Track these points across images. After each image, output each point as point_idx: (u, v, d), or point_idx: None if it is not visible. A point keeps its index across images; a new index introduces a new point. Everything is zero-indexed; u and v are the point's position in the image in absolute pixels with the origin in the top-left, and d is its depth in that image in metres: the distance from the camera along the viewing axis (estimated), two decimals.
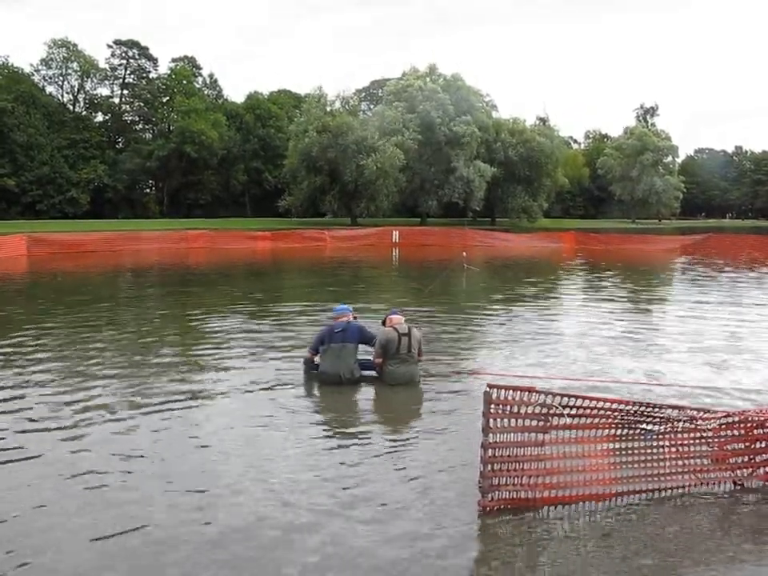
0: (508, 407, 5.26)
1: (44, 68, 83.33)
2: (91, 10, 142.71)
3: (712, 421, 5.80)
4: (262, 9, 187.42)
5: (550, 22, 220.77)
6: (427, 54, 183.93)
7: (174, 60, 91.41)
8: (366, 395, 8.75)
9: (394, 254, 40.26)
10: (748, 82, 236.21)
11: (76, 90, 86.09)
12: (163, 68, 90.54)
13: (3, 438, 6.88)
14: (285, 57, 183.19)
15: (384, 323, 9.51)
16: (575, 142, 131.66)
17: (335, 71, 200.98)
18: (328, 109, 73.29)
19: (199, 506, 5.45)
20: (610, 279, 25.28)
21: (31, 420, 7.48)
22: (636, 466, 5.67)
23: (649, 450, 5.72)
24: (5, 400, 8.21)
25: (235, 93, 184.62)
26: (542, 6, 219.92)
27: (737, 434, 5.92)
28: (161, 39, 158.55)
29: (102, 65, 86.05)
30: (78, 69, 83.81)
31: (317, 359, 9.30)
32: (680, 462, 5.78)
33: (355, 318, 9.67)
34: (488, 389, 5.21)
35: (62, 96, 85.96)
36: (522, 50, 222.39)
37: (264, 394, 8.57)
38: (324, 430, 7.35)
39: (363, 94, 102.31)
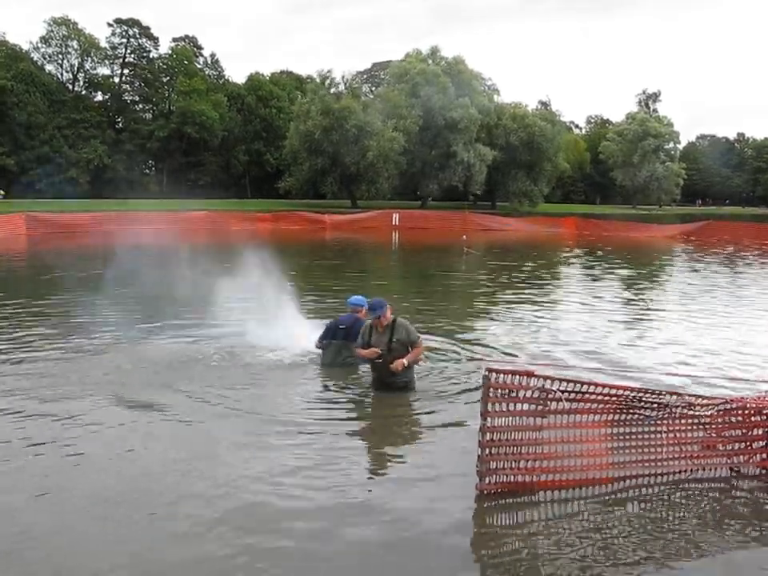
0: (507, 391, 5.28)
1: (43, 46, 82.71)
2: None
3: (710, 407, 5.82)
4: (255, 6, 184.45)
5: (554, 9, 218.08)
6: (431, 42, 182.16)
7: (174, 40, 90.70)
8: (364, 383, 8.69)
9: (394, 237, 40.21)
10: (752, 70, 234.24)
11: (76, 68, 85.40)
12: (164, 48, 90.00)
13: None
14: (277, 55, 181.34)
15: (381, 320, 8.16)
16: (577, 126, 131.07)
17: (336, 60, 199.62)
18: (332, 91, 72.90)
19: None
20: (609, 266, 25.26)
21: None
22: (633, 451, 5.69)
23: (646, 436, 5.74)
24: None
25: (236, 73, 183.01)
26: None
27: (734, 420, 5.94)
28: (162, 20, 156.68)
29: (103, 44, 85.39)
30: (78, 47, 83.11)
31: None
32: (677, 448, 5.80)
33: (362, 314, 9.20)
34: (487, 373, 5.22)
35: (62, 75, 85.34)
36: (525, 36, 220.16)
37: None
38: (323, 412, 7.38)
39: (365, 76, 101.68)
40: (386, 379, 7.83)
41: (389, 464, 6.15)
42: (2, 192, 66.14)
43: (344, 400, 7.86)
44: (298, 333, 9.82)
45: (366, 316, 9.12)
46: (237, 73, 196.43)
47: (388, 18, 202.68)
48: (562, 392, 5.36)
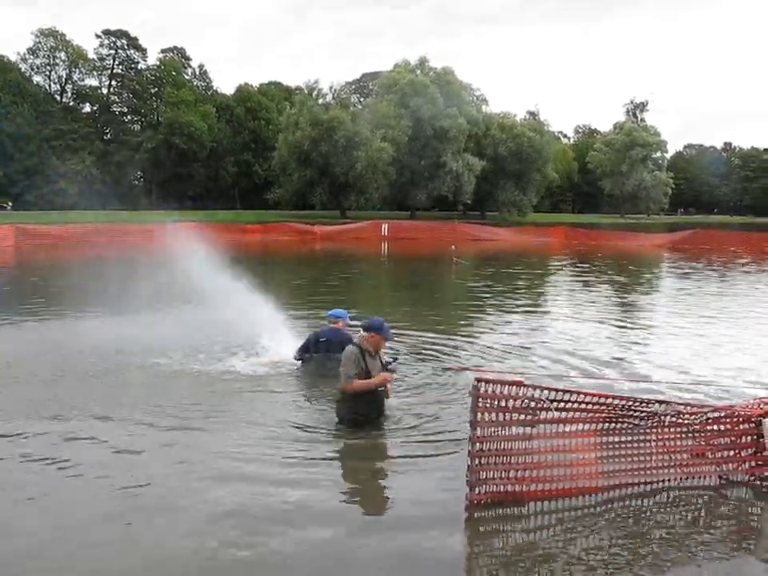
0: (496, 401, 5.27)
1: (31, 57, 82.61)
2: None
3: (698, 415, 5.83)
4: (256, 6, 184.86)
5: (542, 19, 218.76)
6: (418, 51, 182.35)
7: (163, 51, 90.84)
8: None
9: (383, 247, 40.24)
10: (739, 80, 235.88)
11: (64, 80, 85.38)
12: (152, 59, 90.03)
13: None
14: (277, 54, 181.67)
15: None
16: (565, 136, 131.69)
17: (328, 69, 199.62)
18: (320, 102, 73.05)
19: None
20: (599, 274, 25.35)
21: None
22: (623, 460, 5.69)
23: (635, 445, 5.74)
24: None
25: (225, 84, 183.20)
26: (534, 4, 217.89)
27: (723, 428, 5.95)
28: (162, 20, 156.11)
29: (91, 55, 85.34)
30: (66, 59, 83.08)
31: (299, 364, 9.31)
32: (666, 457, 5.80)
33: (345, 325, 9.24)
34: (476, 383, 5.21)
35: (50, 86, 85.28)
36: (516, 42, 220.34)
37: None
38: (312, 425, 7.35)
39: (354, 86, 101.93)
40: (381, 407, 7.26)
41: (377, 475, 6.13)
42: (10, 203, 65.88)
43: (326, 417, 7.57)
44: (278, 342, 9.85)
45: (344, 327, 9.13)
46: (229, 79, 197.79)
47: (387, 19, 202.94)
48: (551, 401, 5.36)
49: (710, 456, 5.95)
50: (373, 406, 7.14)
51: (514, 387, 5.29)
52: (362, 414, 7.06)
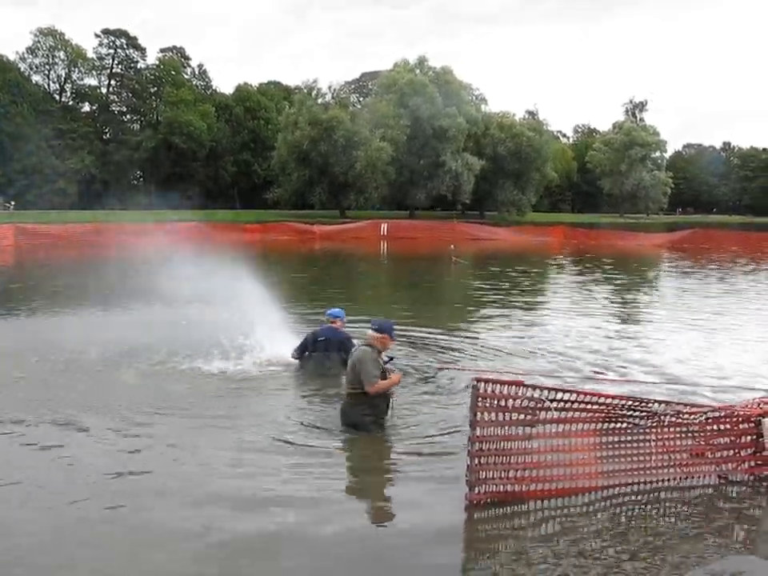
0: (495, 401, 5.27)
1: (30, 56, 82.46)
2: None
3: (698, 415, 5.83)
4: (255, 6, 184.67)
5: (542, 19, 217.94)
6: (418, 51, 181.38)
7: (162, 50, 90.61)
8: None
9: (382, 246, 40.24)
10: (739, 80, 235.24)
11: (63, 79, 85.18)
12: (151, 58, 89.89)
13: None
14: (276, 54, 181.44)
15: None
16: (564, 135, 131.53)
17: (327, 69, 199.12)
18: (319, 101, 73.05)
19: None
20: (598, 274, 25.34)
21: None
22: (622, 460, 5.69)
23: (635, 444, 5.74)
24: None
25: (225, 84, 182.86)
26: (534, 4, 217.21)
27: (723, 428, 5.95)
28: (162, 20, 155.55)
29: (90, 54, 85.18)
30: (65, 58, 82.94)
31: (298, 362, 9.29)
32: (666, 456, 5.80)
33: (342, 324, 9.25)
34: (475, 382, 5.21)
35: (49, 86, 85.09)
36: (515, 42, 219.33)
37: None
38: (310, 425, 7.34)
39: (353, 86, 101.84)
40: (389, 406, 7.20)
41: (376, 475, 6.13)
42: (12, 203, 65.75)
43: (325, 417, 7.54)
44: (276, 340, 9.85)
45: (342, 326, 9.14)
46: (228, 79, 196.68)
47: (387, 19, 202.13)
48: (551, 401, 5.36)
49: (709, 456, 5.95)
50: (385, 405, 7.10)
51: (514, 387, 5.29)
52: (375, 414, 6.99)
